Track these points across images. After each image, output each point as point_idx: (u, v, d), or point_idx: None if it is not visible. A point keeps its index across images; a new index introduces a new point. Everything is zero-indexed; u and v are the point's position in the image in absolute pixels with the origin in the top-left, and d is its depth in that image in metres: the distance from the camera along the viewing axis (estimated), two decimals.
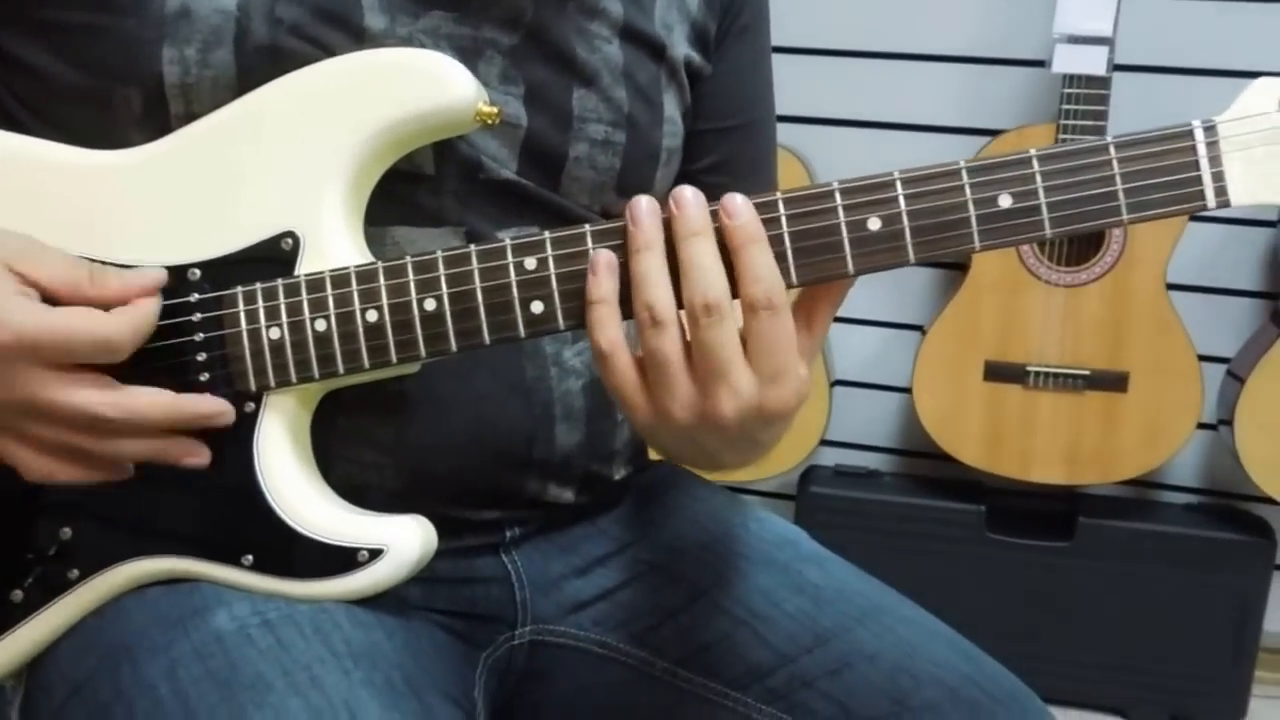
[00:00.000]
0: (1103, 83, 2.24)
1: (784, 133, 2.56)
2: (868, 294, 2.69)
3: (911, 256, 0.84)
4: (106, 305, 0.85)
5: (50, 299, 0.84)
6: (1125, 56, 2.32)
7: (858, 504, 2.55)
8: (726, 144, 1.15)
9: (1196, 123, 0.83)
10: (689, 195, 0.82)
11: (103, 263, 0.89)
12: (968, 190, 0.83)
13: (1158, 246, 2.34)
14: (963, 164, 0.83)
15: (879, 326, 2.71)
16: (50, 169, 0.91)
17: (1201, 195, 0.83)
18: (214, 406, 0.87)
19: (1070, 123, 2.25)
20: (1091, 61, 2.24)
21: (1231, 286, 2.56)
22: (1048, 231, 0.83)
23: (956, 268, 2.53)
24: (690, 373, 0.82)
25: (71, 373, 0.83)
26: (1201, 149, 0.82)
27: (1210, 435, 2.57)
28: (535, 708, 1.08)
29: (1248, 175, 0.83)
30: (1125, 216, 0.83)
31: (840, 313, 2.53)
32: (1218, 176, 0.82)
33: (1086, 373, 2.39)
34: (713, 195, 0.84)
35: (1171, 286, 2.38)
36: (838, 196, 0.83)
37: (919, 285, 2.67)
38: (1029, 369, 2.40)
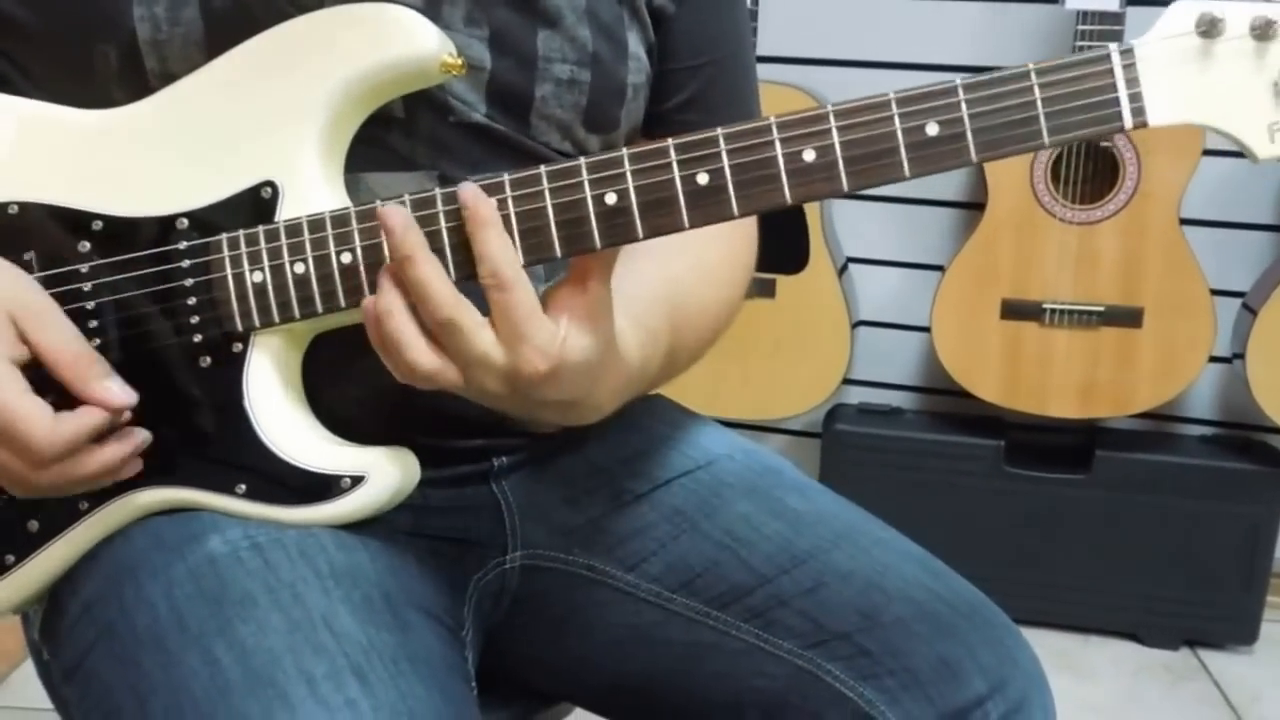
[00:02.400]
0: (1116, 18, 2.26)
1: (800, 74, 2.61)
2: (887, 235, 2.73)
3: (845, 186, 0.86)
4: (74, 395, 0.89)
5: (37, 362, 0.88)
6: None
7: (881, 440, 2.59)
8: (697, 81, 1.16)
9: (1114, 46, 0.84)
10: (397, 218, 0.86)
11: (96, 215, 0.94)
12: (897, 121, 0.85)
13: (1172, 182, 2.35)
14: (892, 95, 0.85)
15: (899, 267, 2.74)
16: (45, 127, 0.96)
17: (1119, 117, 0.84)
18: (135, 442, 0.92)
19: None
20: None
21: (1246, 220, 2.58)
22: (973, 157, 0.85)
23: (974, 207, 2.56)
24: (450, 360, 0.87)
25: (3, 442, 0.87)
26: (1118, 71, 0.84)
27: (1224, 368, 2.60)
28: (529, 626, 1.13)
29: (1166, 96, 0.84)
30: (1046, 140, 0.85)
31: (861, 254, 2.58)
32: (1135, 98, 0.84)
33: (1101, 309, 2.41)
34: (687, 133, 0.87)
35: (1186, 221, 2.39)
36: (774, 130, 0.86)
37: (937, 226, 2.70)
38: (1045, 306, 2.43)
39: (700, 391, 2.48)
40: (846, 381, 2.70)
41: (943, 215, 2.69)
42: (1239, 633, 2.54)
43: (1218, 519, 2.47)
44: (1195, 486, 2.47)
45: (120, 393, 0.90)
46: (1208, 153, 2.36)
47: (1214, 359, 2.45)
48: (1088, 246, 2.40)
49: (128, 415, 0.92)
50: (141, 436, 0.92)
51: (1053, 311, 2.43)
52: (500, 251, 0.86)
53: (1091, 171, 2.41)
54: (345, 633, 0.86)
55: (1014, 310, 2.45)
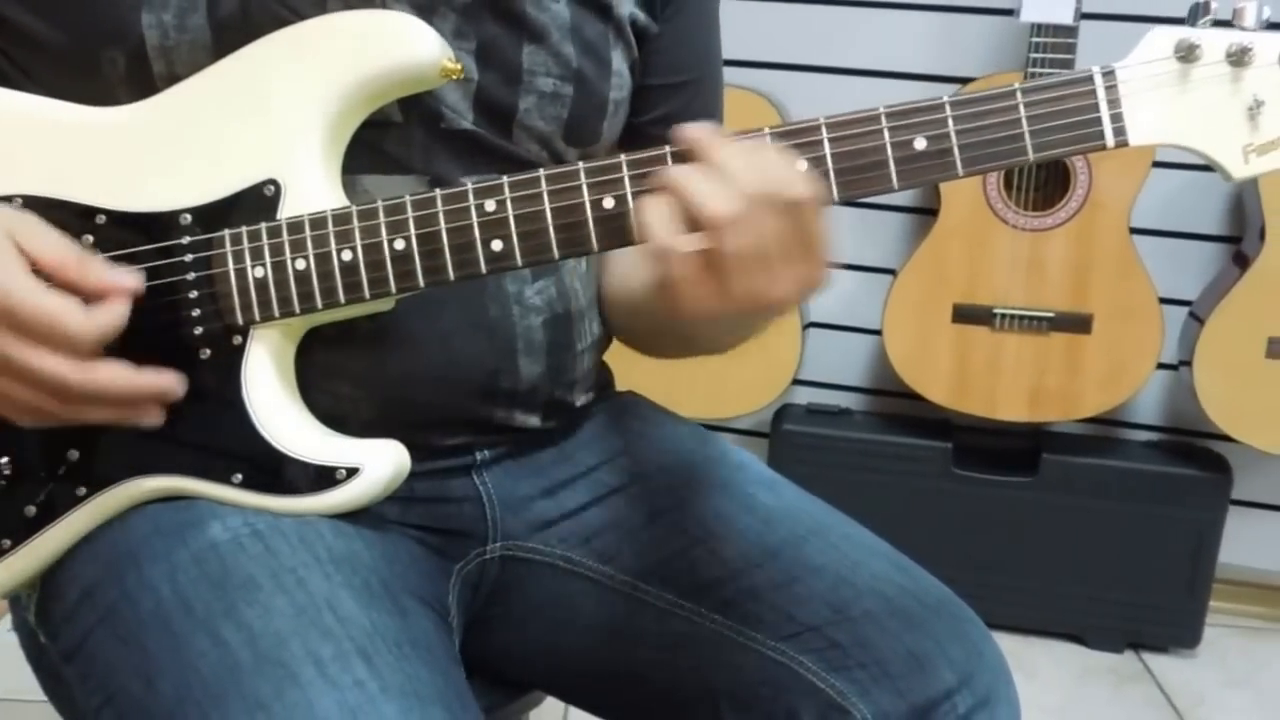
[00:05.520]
0: (1070, 31, 2.28)
1: (759, 78, 2.63)
2: (840, 238, 2.73)
3: (836, 196, 0.90)
4: (84, 290, 0.90)
5: (38, 272, 0.89)
6: (1092, 5, 2.35)
7: (829, 441, 2.60)
8: (676, 99, 1.19)
9: (1096, 69, 0.88)
10: (695, 130, 0.88)
11: (100, 210, 0.95)
12: (886, 134, 0.89)
13: (1122, 191, 2.39)
14: (882, 109, 0.89)
15: (851, 270, 2.75)
16: (51, 122, 0.97)
17: (1101, 135, 0.89)
18: (168, 381, 0.93)
19: (1038, 70, 2.29)
20: (1059, 11, 2.28)
21: (1194, 231, 2.61)
22: (960, 170, 0.89)
23: (927, 212, 2.58)
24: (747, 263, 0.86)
25: (40, 342, 0.88)
26: (1101, 93, 0.88)
27: (1171, 375, 2.63)
28: (507, 616, 1.15)
29: (1146, 117, 0.88)
30: (1030, 155, 0.89)
31: None
32: (1116, 118, 0.88)
33: (1051, 314, 2.44)
34: (660, 146, 0.90)
35: (1135, 231, 2.42)
36: (768, 140, 0.89)
37: (890, 230, 2.72)
38: (995, 311, 2.45)
39: (650, 390, 2.44)
40: (796, 382, 2.72)
41: (895, 220, 2.71)
42: (1182, 636, 2.57)
43: (1162, 523, 2.50)
44: (1140, 491, 2.50)
45: (127, 276, 0.92)
46: (1157, 164, 2.40)
47: (1161, 366, 2.49)
48: (1039, 253, 2.43)
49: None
50: (173, 379, 0.94)
51: (1003, 316, 2.46)
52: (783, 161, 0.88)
53: (1043, 179, 2.44)
54: (349, 616, 0.88)
55: (965, 314, 2.47)
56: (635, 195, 0.90)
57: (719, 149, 0.87)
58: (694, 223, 0.85)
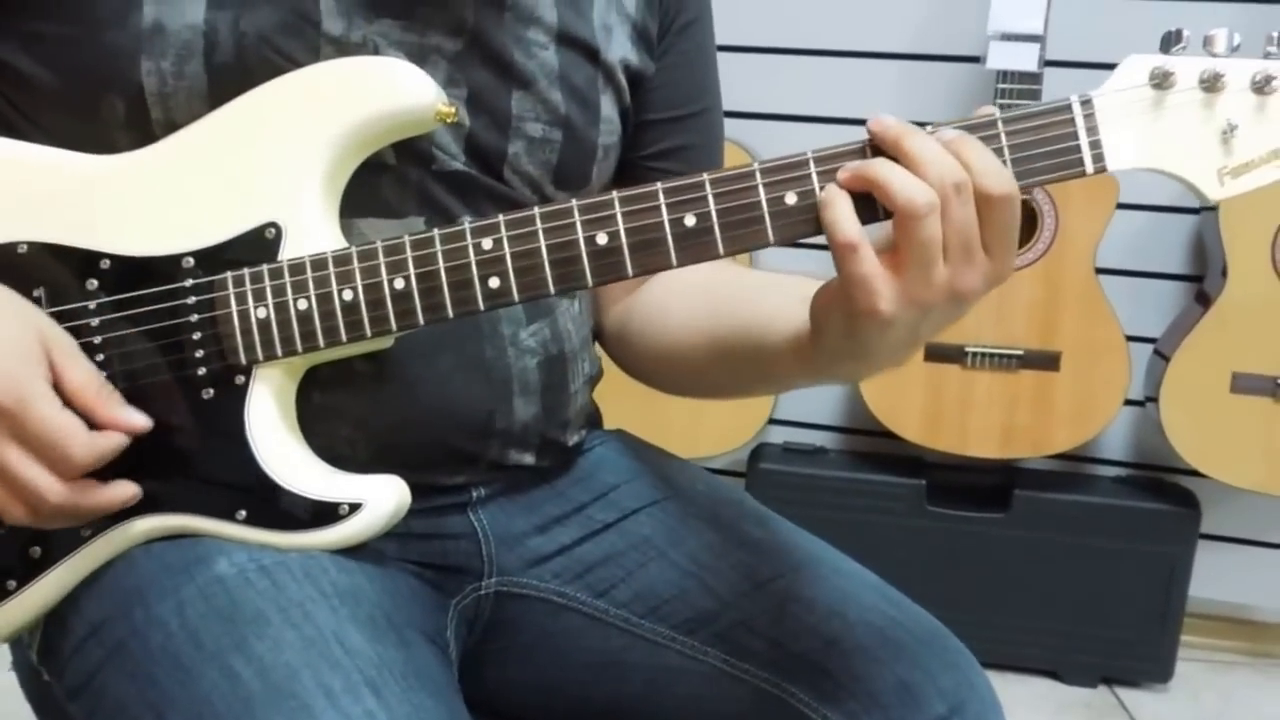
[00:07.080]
0: (1034, 78, 2.32)
1: (732, 126, 2.61)
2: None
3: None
4: (94, 419, 0.93)
5: (59, 389, 0.92)
6: (1055, 53, 2.41)
7: (805, 479, 2.62)
8: (676, 133, 1.21)
9: (1074, 97, 0.90)
10: (885, 116, 0.89)
11: (104, 255, 0.97)
12: None
13: (1087, 232, 2.42)
14: (867, 141, 0.90)
15: None
16: (55, 170, 0.99)
17: (1080, 163, 0.90)
18: (129, 493, 0.96)
19: None
20: (1024, 58, 2.32)
21: (1158, 270, 2.66)
22: None
23: None
24: (944, 255, 0.87)
25: (36, 454, 0.91)
26: (1079, 121, 0.89)
27: (1138, 411, 2.66)
28: (502, 651, 1.16)
29: (1123, 143, 0.90)
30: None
31: None
32: (1095, 145, 0.89)
33: (1021, 352, 2.47)
34: (661, 181, 0.92)
35: (1101, 270, 2.46)
36: (758, 176, 0.91)
37: None
38: (967, 349, 2.48)
39: (628, 429, 2.47)
40: (772, 421, 2.74)
41: None
42: (1155, 671, 2.58)
43: (1133, 558, 2.52)
44: (1111, 526, 2.52)
45: (139, 417, 0.95)
46: (1121, 206, 2.43)
47: (1129, 402, 2.52)
48: (1007, 292, 2.45)
49: None
50: (133, 489, 0.96)
51: (974, 354, 2.49)
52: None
53: None
54: (356, 649, 0.89)
55: (936, 353, 2.50)
56: (627, 230, 0.92)
57: (912, 138, 0.87)
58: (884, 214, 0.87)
